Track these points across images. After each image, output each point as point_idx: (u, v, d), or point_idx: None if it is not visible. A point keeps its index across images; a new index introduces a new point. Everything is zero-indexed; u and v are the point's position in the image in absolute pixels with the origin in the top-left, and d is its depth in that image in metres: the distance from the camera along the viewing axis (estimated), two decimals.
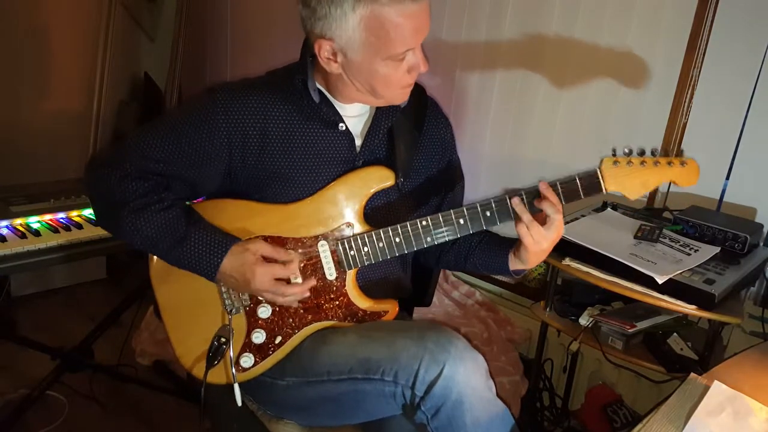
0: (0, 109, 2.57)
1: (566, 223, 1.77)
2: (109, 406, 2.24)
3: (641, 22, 1.96)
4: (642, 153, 1.18)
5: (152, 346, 2.40)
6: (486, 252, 1.34)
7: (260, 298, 1.23)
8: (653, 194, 2.00)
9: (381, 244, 1.21)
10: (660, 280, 1.50)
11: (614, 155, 1.17)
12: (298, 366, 1.23)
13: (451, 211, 1.20)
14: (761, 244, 1.74)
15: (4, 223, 1.76)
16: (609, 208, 1.90)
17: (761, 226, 1.75)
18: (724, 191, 1.86)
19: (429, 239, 1.21)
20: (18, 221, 1.79)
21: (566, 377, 2.09)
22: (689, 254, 1.60)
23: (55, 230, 1.78)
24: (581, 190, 1.18)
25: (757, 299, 1.77)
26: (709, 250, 1.61)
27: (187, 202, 1.25)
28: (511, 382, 2.06)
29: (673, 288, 1.52)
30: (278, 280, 1.18)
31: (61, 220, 1.85)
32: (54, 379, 2.12)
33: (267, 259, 1.18)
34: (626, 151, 1.17)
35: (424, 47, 1.16)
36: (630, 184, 1.17)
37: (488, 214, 1.20)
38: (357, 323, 1.26)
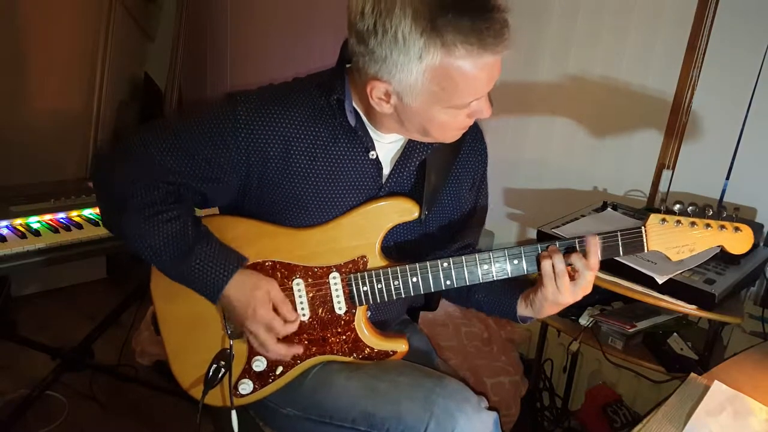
0: (0, 109, 2.57)
1: (566, 223, 1.78)
2: (109, 406, 2.24)
3: (641, 22, 1.96)
4: (694, 211, 1.09)
5: (152, 346, 2.40)
6: (493, 291, 1.23)
7: None
8: (653, 194, 2.00)
9: (396, 283, 1.13)
10: (660, 280, 1.50)
11: (663, 212, 1.09)
12: (299, 399, 1.19)
13: (476, 255, 1.11)
14: (761, 244, 1.74)
15: (4, 223, 1.76)
16: (609, 208, 1.90)
17: (761, 226, 1.74)
18: (724, 191, 1.86)
19: (449, 282, 1.12)
20: (18, 221, 1.79)
21: (566, 377, 2.09)
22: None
23: (55, 230, 1.78)
24: (621, 247, 1.09)
25: (757, 299, 1.77)
26: (709, 250, 1.60)
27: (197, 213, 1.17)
28: (511, 382, 2.06)
29: (673, 288, 1.52)
30: (270, 329, 1.12)
31: (61, 220, 1.85)
32: (54, 379, 2.12)
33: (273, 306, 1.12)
34: (677, 207, 1.09)
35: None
36: (675, 245, 1.09)
37: (516, 262, 1.11)
38: (362, 359, 1.20)
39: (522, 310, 1.19)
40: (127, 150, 1.10)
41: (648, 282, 1.53)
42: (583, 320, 1.80)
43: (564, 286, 1.07)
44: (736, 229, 1.08)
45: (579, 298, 1.09)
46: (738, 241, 1.09)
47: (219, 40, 3.35)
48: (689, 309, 1.51)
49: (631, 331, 1.69)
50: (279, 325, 1.12)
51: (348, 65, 1.10)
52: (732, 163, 1.84)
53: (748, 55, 1.76)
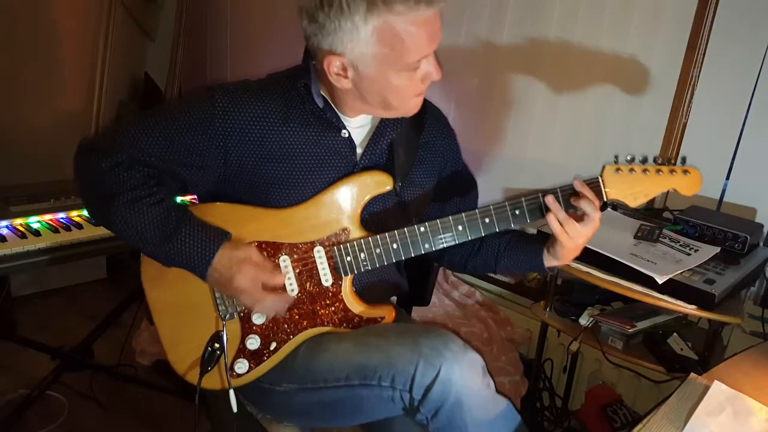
0: (0, 109, 2.57)
1: None
2: (109, 406, 2.24)
3: (641, 22, 1.96)
4: (644, 160, 1.16)
5: (152, 346, 2.40)
6: (517, 252, 1.32)
7: None
8: None
9: (378, 251, 1.19)
10: (660, 280, 1.50)
11: (616, 162, 1.17)
12: (294, 373, 1.22)
13: (450, 217, 1.19)
14: (761, 244, 1.74)
15: (4, 223, 1.76)
16: (609, 208, 1.90)
17: (761, 226, 1.75)
18: (724, 191, 1.86)
19: (427, 246, 1.19)
20: (18, 221, 1.78)
21: (566, 377, 2.09)
22: (689, 254, 1.60)
23: (55, 230, 1.78)
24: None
25: (757, 299, 1.77)
26: (709, 250, 1.61)
27: (179, 199, 1.22)
28: (511, 382, 2.06)
29: (673, 288, 1.52)
30: (257, 280, 1.15)
31: (61, 220, 1.85)
32: (54, 379, 2.12)
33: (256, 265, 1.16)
34: (628, 158, 1.17)
35: (436, 54, 1.14)
36: (631, 192, 1.17)
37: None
38: (352, 329, 1.25)
39: (548, 261, 1.27)
40: (110, 137, 1.16)
41: (648, 282, 1.53)
42: (583, 320, 1.80)
43: (574, 231, 1.15)
44: (685, 171, 1.16)
45: (590, 234, 1.17)
46: (688, 183, 1.16)
47: (219, 40, 3.35)
48: (689, 309, 1.51)
49: (631, 331, 1.69)
50: (266, 275, 1.15)
51: (314, 63, 1.17)
52: (732, 163, 1.84)
53: (748, 54, 1.77)
